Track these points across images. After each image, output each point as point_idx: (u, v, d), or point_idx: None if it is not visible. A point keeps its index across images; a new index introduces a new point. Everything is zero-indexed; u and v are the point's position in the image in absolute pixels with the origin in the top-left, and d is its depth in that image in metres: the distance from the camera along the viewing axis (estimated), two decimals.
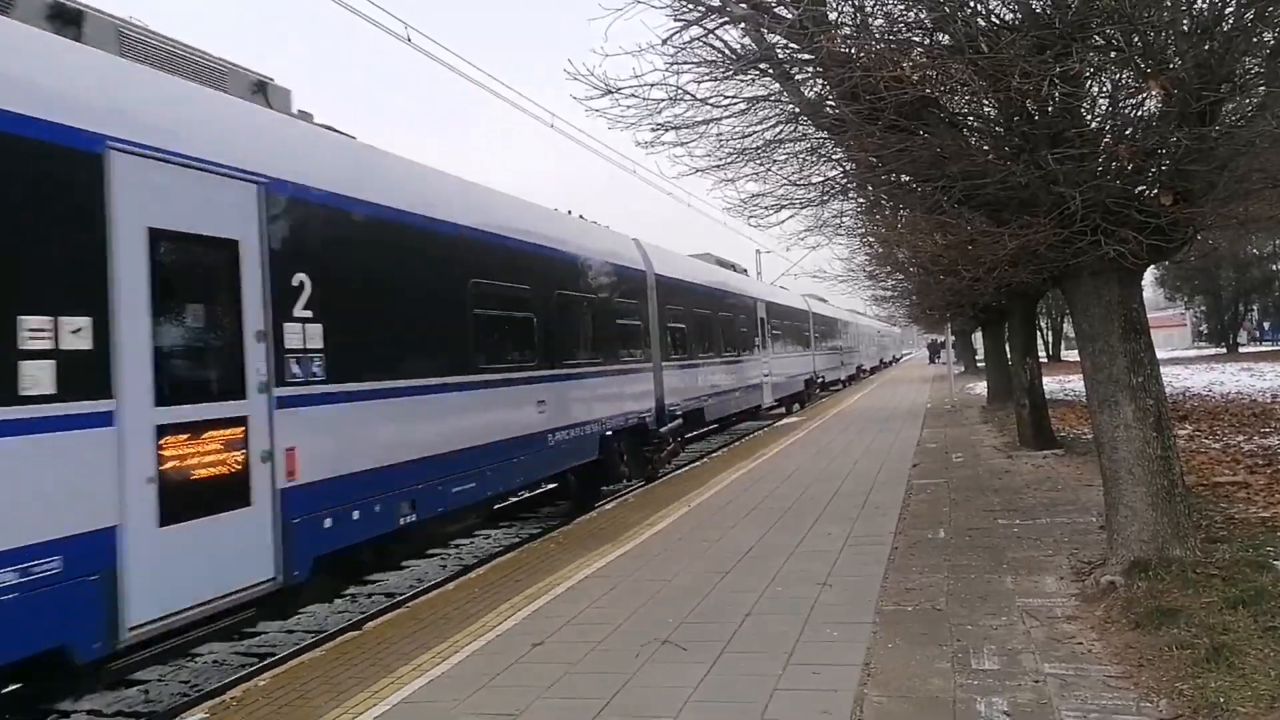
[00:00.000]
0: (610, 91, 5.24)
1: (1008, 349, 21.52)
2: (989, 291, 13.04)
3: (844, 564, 7.27)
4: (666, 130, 5.86)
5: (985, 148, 5.79)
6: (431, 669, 5.45)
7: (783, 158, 7.78)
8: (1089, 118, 6.16)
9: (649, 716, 4.43)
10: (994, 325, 22.58)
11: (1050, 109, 5.98)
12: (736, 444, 18.66)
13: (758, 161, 6.85)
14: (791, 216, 7.58)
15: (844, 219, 11.18)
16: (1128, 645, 4.96)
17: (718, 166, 6.77)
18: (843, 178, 9.22)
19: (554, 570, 7.87)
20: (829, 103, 6.36)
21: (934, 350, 65.54)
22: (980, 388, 29.05)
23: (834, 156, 9.29)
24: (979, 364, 43.41)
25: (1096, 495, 9.40)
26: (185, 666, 7.33)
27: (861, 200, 12.15)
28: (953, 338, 32.41)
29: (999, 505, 9.39)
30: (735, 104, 5.80)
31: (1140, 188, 5.81)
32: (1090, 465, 11.57)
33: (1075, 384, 28.04)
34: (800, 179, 8.14)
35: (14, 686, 6.43)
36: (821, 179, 9.15)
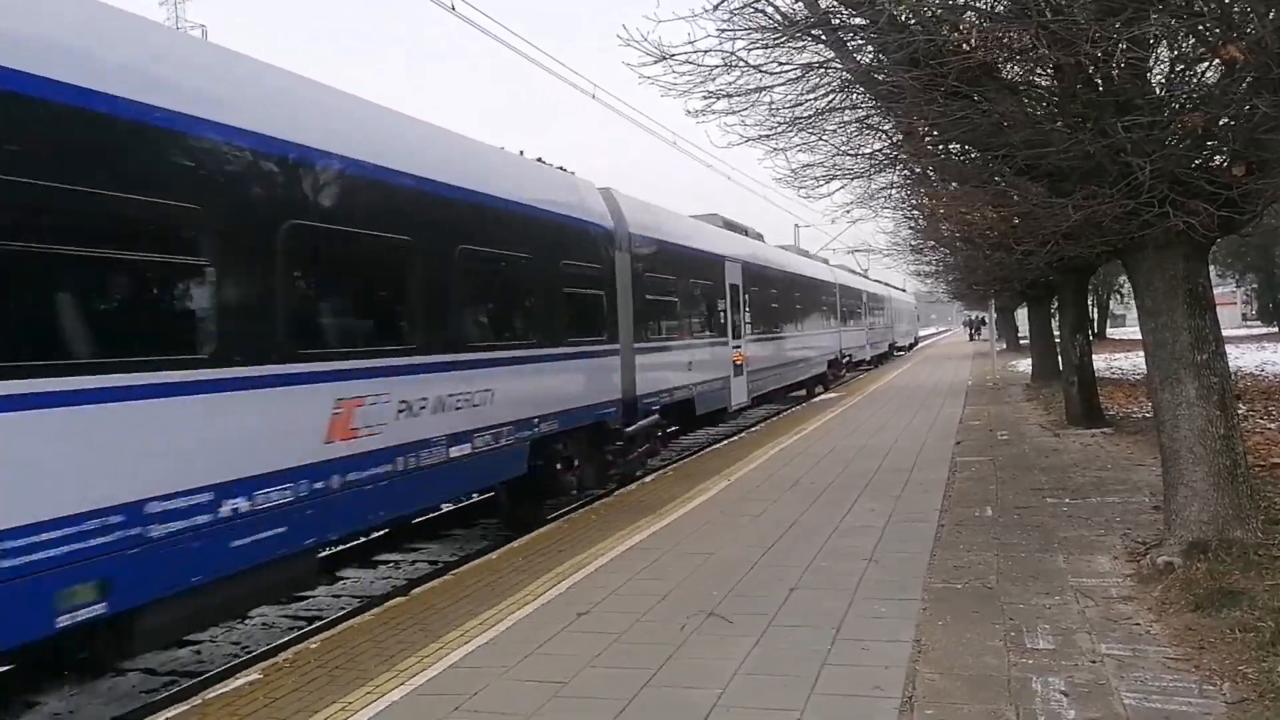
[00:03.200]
0: (664, 58, 5.14)
1: (1055, 325, 21.11)
2: (1039, 267, 12.73)
3: (889, 541, 7.19)
4: (718, 98, 5.75)
5: (1050, 116, 5.59)
6: (479, 635, 5.49)
7: (833, 128, 7.63)
8: (1158, 85, 5.93)
9: (697, 688, 4.42)
10: (1040, 301, 22.14)
11: (1116, 75, 5.77)
12: (774, 419, 18.55)
13: (809, 131, 6.71)
14: (842, 188, 7.45)
15: (893, 191, 10.94)
16: (1187, 627, 4.85)
17: (768, 136, 6.64)
18: (891, 149, 9.03)
19: (596, 541, 7.89)
20: (884, 70, 6.20)
21: (973, 326, 64.60)
22: (1023, 365, 28.56)
23: (883, 128, 9.11)
24: (1021, 341, 42.70)
25: (1148, 475, 9.22)
26: (236, 628, 7.48)
27: (909, 173, 11.93)
28: (994, 314, 31.78)
29: (1047, 484, 9.23)
30: (789, 70, 5.67)
31: (1211, 158, 5.60)
32: (1141, 445, 11.34)
33: (1121, 362, 27.49)
34: (851, 149, 7.99)
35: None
36: (870, 150, 8.97)
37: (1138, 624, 4.98)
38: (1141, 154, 5.36)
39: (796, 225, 43.98)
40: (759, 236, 20.64)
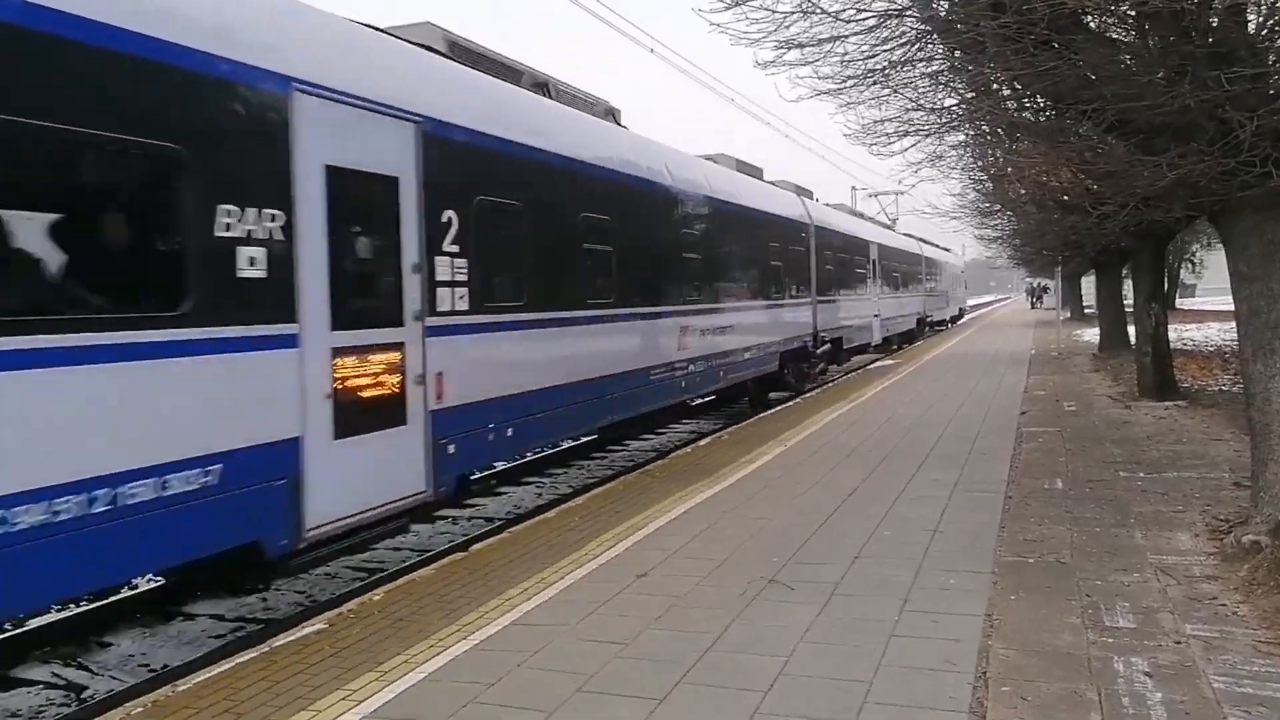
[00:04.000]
0: (737, 3, 4.94)
1: (1126, 293, 20.41)
2: (1115, 232, 12.21)
3: (955, 511, 7.01)
4: (790, 48, 5.52)
5: (1147, 67, 5.26)
6: (538, 593, 5.49)
7: (906, 81, 7.33)
8: (1264, 34, 5.54)
9: (761, 654, 4.35)
10: (1111, 268, 21.38)
11: (1215, 24, 5.41)
12: (830, 386, 18.29)
13: (881, 84, 6.44)
14: (913, 145, 7.15)
15: (965, 150, 10.54)
16: (1278, 609, 4.62)
17: (838, 90, 6.38)
18: (963, 105, 8.66)
19: (653, 503, 7.84)
20: (966, 19, 5.89)
21: (1035, 294, 62.89)
22: (1088, 334, 27.73)
23: (955, 84, 8.73)
24: (1086, 310, 41.46)
25: (1227, 450, 8.86)
26: (300, 578, 7.62)
27: (980, 132, 11.48)
28: (1060, 281, 30.79)
29: (1120, 457, 8.91)
30: (866, 18, 5.40)
31: None
32: (1218, 418, 10.90)
33: (1193, 333, 26.53)
34: (921, 106, 7.67)
35: (146, 588, 6.79)
36: (943, 106, 8.62)
37: (1223, 604, 4.77)
38: (1243, 109, 5.02)
39: (853, 188, 43.17)
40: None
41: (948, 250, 46.84)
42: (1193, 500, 7.03)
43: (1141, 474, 8.10)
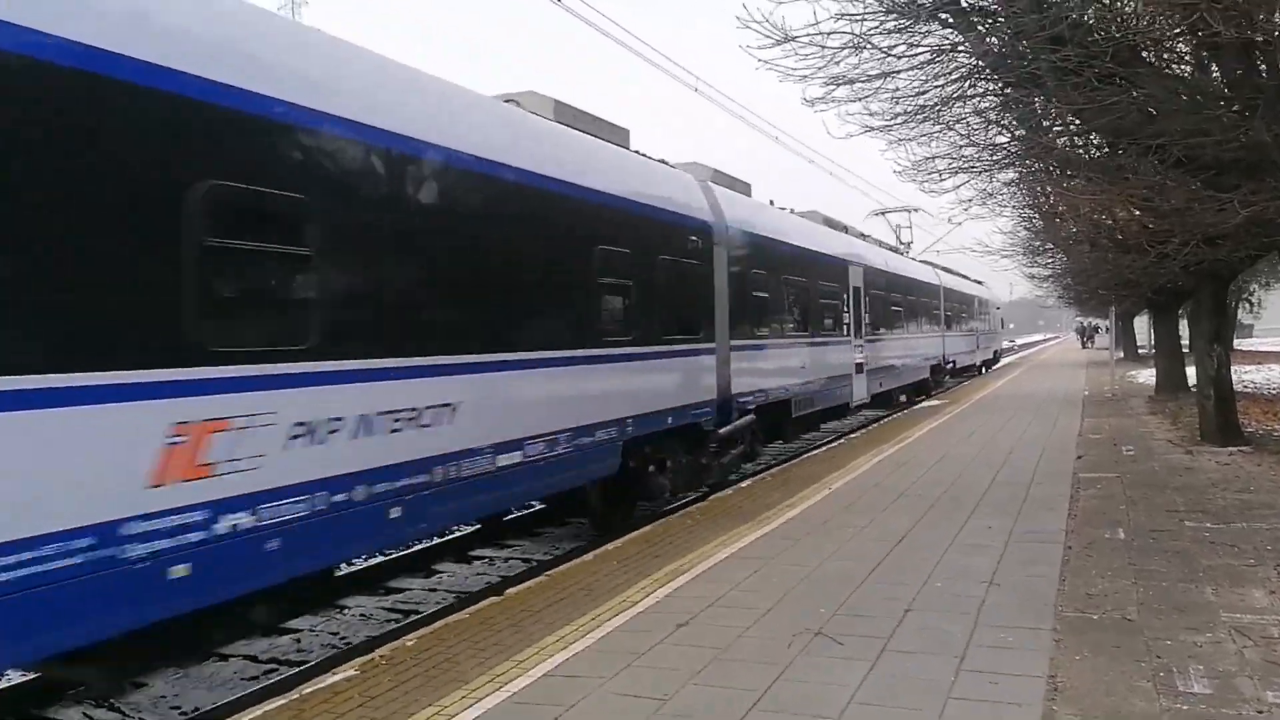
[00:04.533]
0: (787, 39, 4.85)
1: (1184, 334, 19.81)
2: (1173, 271, 11.85)
3: (1011, 562, 6.70)
4: (839, 85, 5.41)
5: (1217, 101, 5.05)
6: (575, 642, 5.31)
7: (958, 118, 7.18)
8: None
9: (810, 714, 4.12)
10: (1167, 308, 20.78)
11: None
12: (874, 426, 17.91)
13: (933, 121, 6.29)
14: (965, 182, 6.97)
15: (1017, 188, 10.32)
16: None
17: (888, 127, 6.25)
18: (1013, 142, 8.47)
19: (693, 548, 7.63)
20: (1022, 54, 5.73)
21: (1085, 333, 61.59)
22: (1143, 376, 26.95)
23: (1003, 122, 8.55)
24: (1139, 350, 40.40)
25: None
26: (334, 619, 7.53)
27: (1028, 170, 11.25)
28: (1115, 321, 29.97)
29: (1184, 505, 8.50)
30: (919, 53, 5.28)
31: None
32: None
33: (1253, 375, 25.64)
34: (975, 141, 7.51)
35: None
36: (993, 143, 8.44)
37: None
38: None
39: (897, 225, 42.61)
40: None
41: (980, 283, 37.18)
42: (1265, 553, 6.64)
43: (1209, 524, 7.70)
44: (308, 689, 4.77)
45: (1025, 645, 4.89)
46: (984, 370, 35.37)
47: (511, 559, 9.56)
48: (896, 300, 21.25)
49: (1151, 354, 25.42)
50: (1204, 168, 5.47)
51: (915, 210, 32.19)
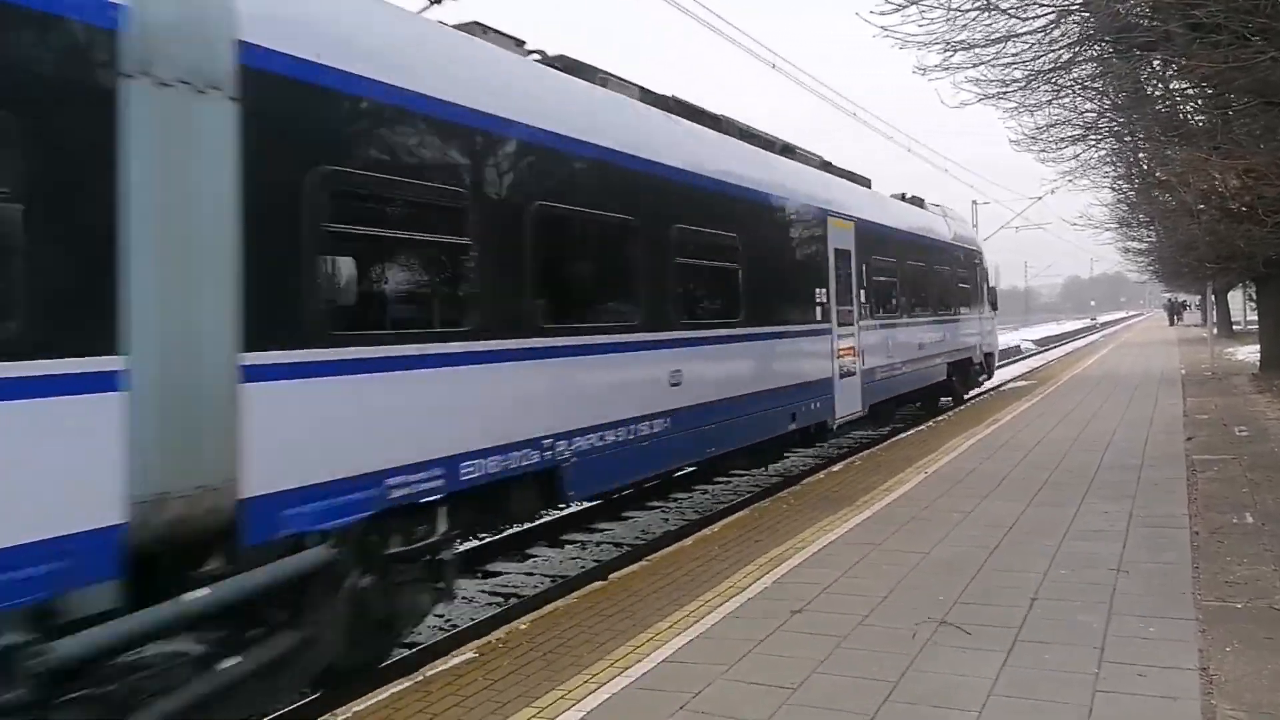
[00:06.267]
0: (911, 3, 4.65)
1: None
2: None
3: (1136, 548, 6.40)
4: (957, 50, 5.17)
5: None
6: (688, 629, 5.25)
7: (1072, 82, 6.84)
8: None
9: (949, 708, 3.97)
10: (1273, 281, 19.69)
11: None
12: (962, 409, 17.43)
13: (1050, 86, 5.99)
14: (1090, 148, 6.64)
15: (1116, 159, 9.85)
16: None
17: (1002, 93, 5.97)
18: (1118, 110, 8.07)
19: (793, 533, 7.49)
20: (1153, 13, 5.41)
21: (1174, 310, 59.22)
22: (1241, 352, 25.70)
23: (1105, 90, 8.14)
24: (1234, 326, 38.56)
25: None
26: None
27: (1122, 141, 10.75)
28: (1213, 296, 28.61)
29: None
30: (1047, 11, 5.00)
31: None
32: None
33: None
34: (1090, 108, 7.16)
35: None
36: (1104, 108, 8.07)
37: None
38: None
39: (974, 201, 41.39)
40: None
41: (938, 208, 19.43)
42: None
43: None
44: (431, 670, 4.81)
45: (1170, 636, 4.65)
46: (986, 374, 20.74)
47: (603, 543, 9.55)
48: (893, 270, 14.12)
49: (1250, 330, 24.16)
50: None
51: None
